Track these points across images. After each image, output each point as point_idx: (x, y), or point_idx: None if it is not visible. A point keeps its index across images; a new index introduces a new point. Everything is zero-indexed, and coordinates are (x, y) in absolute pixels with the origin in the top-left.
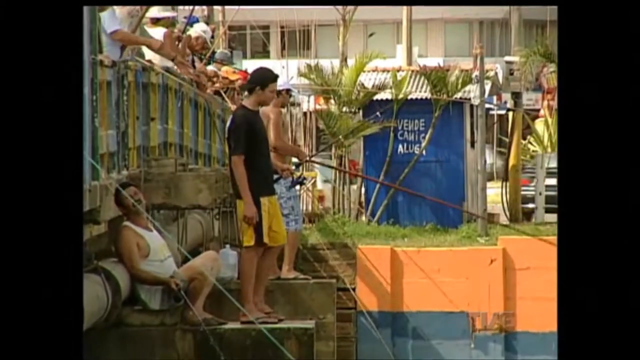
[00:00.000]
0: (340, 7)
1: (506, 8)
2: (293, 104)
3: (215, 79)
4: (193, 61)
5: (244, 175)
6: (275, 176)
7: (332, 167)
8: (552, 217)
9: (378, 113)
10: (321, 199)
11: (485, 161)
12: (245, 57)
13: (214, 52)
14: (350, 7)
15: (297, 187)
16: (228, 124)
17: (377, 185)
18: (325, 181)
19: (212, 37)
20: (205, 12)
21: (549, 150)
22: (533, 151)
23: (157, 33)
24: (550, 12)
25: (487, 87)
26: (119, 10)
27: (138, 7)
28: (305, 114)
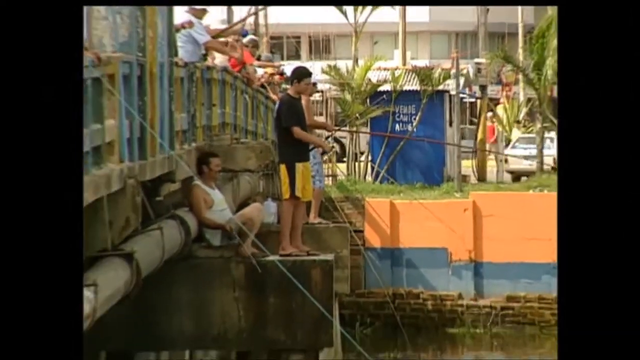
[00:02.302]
0: (352, 21)
1: (475, 22)
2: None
3: (261, 77)
4: (243, 63)
5: (306, 134)
6: (310, 146)
7: (349, 131)
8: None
9: (384, 96)
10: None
11: (460, 137)
12: (282, 59)
13: (259, 56)
14: (360, 21)
15: (327, 153)
16: (277, 106)
17: (380, 155)
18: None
19: (258, 44)
20: (253, 27)
21: (507, 128)
22: (498, 131)
23: (217, 59)
24: (508, 27)
25: (462, 82)
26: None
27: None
28: (326, 100)
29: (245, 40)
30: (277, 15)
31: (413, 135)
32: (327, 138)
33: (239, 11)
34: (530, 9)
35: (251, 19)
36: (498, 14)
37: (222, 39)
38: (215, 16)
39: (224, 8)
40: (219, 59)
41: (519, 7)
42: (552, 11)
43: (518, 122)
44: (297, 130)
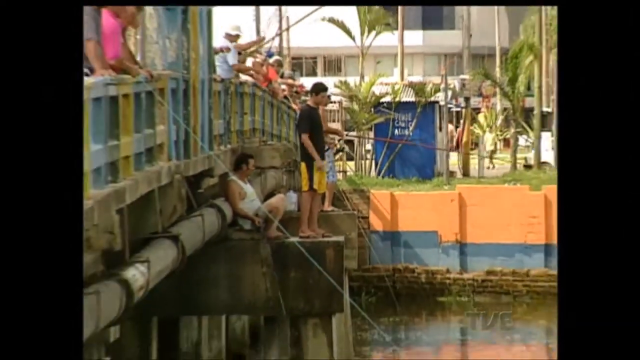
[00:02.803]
0: (359, 45)
1: (461, 45)
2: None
3: (284, 90)
4: (270, 79)
5: (310, 144)
6: (326, 147)
7: (358, 137)
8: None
9: (385, 105)
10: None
11: (448, 140)
12: (301, 76)
13: (283, 73)
14: (366, 44)
15: (339, 153)
16: (298, 115)
17: (382, 154)
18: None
19: (282, 64)
20: (277, 49)
21: (486, 132)
22: (477, 133)
23: (248, 61)
24: (488, 49)
25: (449, 94)
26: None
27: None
28: (338, 109)
29: (271, 60)
30: (297, 40)
31: (410, 139)
32: (338, 141)
33: (267, 33)
34: (505, 34)
35: (276, 42)
36: (479, 39)
37: (251, 59)
38: (247, 40)
39: (254, 32)
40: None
41: (497, 33)
42: (523, 36)
43: (490, 127)
44: (303, 138)
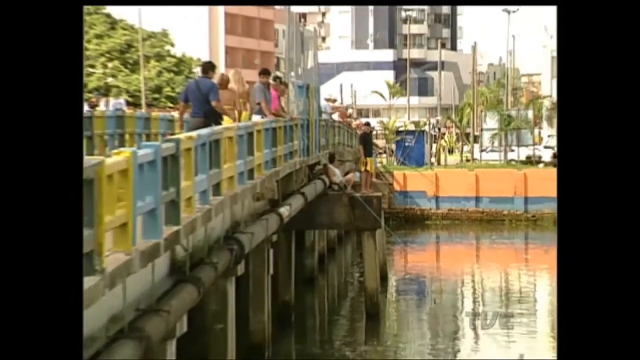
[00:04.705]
0: (389, 103)
1: (436, 103)
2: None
3: (353, 125)
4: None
5: (362, 150)
6: (373, 151)
7: (383, 149)
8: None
9: (403, 133)
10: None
11: (433, 147)
12: (361, 117)
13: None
14: (392, 103)
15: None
16: (360, 136)
17: (400, 154)
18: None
19: (352, 112)
20: (351, 104)
21: (449, 146)
22: (443, 146)
23: (335, 116)
24: (449, 106)
25: (431, 127)
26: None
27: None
28: (380, 134)
29: (348, 111)
30: (360, 102)
31: (413, 147)
32: (380, 148)
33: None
34: (457, 98)
35: (351, 102)
36: (445, 100)
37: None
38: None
39: (339, 95)
40: (336, 117)
41: (453, 98)
42: (465, 99)
43: (445, 142)
44: (359, 147)
